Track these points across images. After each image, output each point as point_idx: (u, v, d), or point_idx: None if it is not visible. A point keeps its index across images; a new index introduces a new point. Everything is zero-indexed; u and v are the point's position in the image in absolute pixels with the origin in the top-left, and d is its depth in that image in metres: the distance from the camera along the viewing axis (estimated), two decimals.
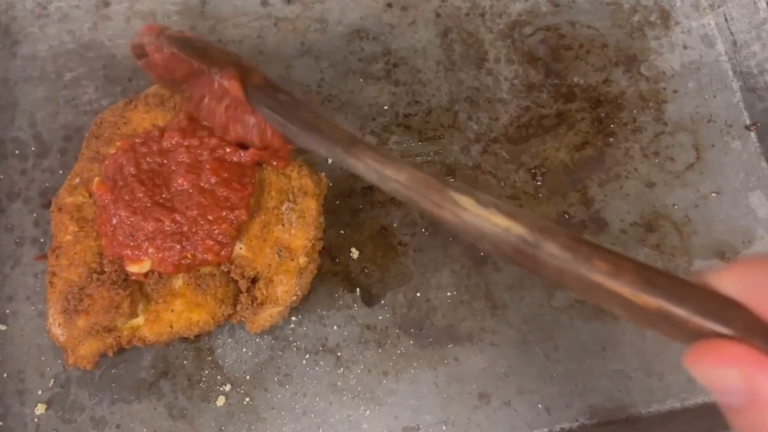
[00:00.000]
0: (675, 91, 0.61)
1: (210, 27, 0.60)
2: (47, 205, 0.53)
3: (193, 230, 0.47)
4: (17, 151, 0.55)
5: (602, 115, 0.60)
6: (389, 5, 0.62)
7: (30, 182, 0.54)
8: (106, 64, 0.58)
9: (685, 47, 0.62)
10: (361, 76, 0.60)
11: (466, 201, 0.35)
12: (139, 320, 0.47)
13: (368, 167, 0.40)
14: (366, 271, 0.54)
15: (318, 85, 0.59)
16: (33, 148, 0.55)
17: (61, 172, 0.54)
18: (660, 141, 0.60)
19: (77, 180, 0.51)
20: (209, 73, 0.48)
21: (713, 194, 0.58)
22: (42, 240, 0.53)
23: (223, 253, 0.47)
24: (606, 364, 0.53)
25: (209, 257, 0.47)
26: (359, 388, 0.51)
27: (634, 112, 0.60)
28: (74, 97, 0.57)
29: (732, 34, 0.62)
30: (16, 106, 0.56)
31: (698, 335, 0.27)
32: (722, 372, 0.25)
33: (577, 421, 0.51)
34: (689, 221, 0.57)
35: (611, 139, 0.60)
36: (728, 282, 0.27)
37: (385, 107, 0.59)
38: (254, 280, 0.49)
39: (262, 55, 0.59)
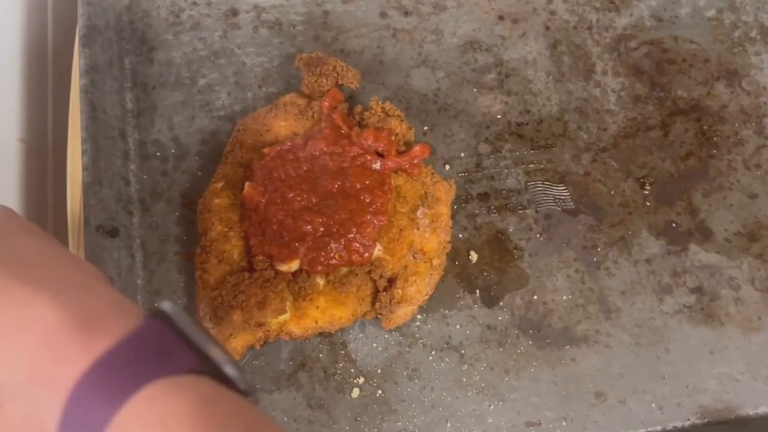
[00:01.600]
0: None
1: (333, 37, 0.63)
2: (188, 204, 0.56)
3: (341, 233, 0.50)
4: (158, 153, 0.58)
5: (705, 127, 0.63)
6: (501, 18, 0.65)
7: (171, 183, 0.57)
8: (237, 71, 0.61)
9: None
10: (474, 86, 0.63)
11: None
12: (287, 316, 0.51)
13: None
14: (484, 273, 0.57)
15: (434, 94, 0.62)
16: (173, 151, 0.58)
17: (199, 173, 0.57)
18: (762, 154, 0.62)
19: (222, 183, 0.54)
20: None
21: None
22: (184, 238, 0.56)
23: (366, 254, 0.51)
24: (714, 367, 0.55)
25: (354, 258, 0.50)
26: (483, 385, 0.54)
27: (736, 125, 0.63)
28: (208, 102, 0.60)
29: None
30: (155, 110, 0.59)
31: None
32: None
33: (689, 420, 0.54)
34: None
35: (714, 151, 0.62)
36: None
37: (498, 116, 0.62)
38: (391, 280, 0.52)
39: (381, 65, 0.62)
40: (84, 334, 0.28)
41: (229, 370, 0.31)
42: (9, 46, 0.61)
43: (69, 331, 0.28)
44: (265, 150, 0.52)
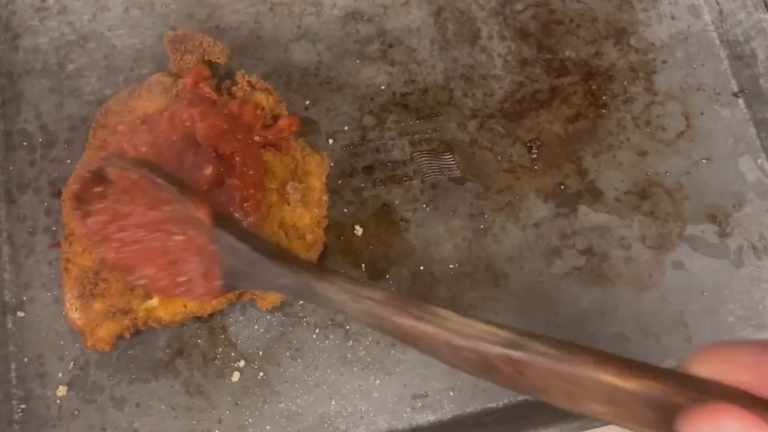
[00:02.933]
0: (664, 62, 0.63)
1: (207, 14, 0.61)
2: (57, 194, 0.54)
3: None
4: (25, 143, 0.56)
5: (594, 87, 0.62)
6: None
7: (39, 173, 0.55)
8: (107, 54, 0.59)
9: (672, 18, 0.64)
10: (357, 58, 0.61)
11: (447, 312, 0.35)
12: (154, 302, 0.49)
13: (341, 288, 0.38)
14: (370, 247, 0.56)
15: (315, 67, 0.60)
16: (40, 140, 0.56)
17: (68, 161, 0.55)
18: (651, 111, 0.61)
19: (83, 169, 0.52)
20: (179, 198, 0.43)
21: (704, 161, 0.60)
22: (54, 228, 0.54)
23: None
24: (605, 328, 0.55)
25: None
26: (368, 360, 0.53)
27: (625, 83, 0.62)
28: (77, 88, 0.58)
29: (718, 3, 0.64)
30: (21, 98, 0.57)
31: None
32: (722, 430, 0.26)
33: None
34: (681, 188, 0.59)
35: (603, 110, 0.61)
36: (698, 365, 0.29)
37: (382, 87, 0.60)
38: None
39: (259, 40, 0.61)
40: None
41: None
42: None
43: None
44: (120, 127, 0.50)
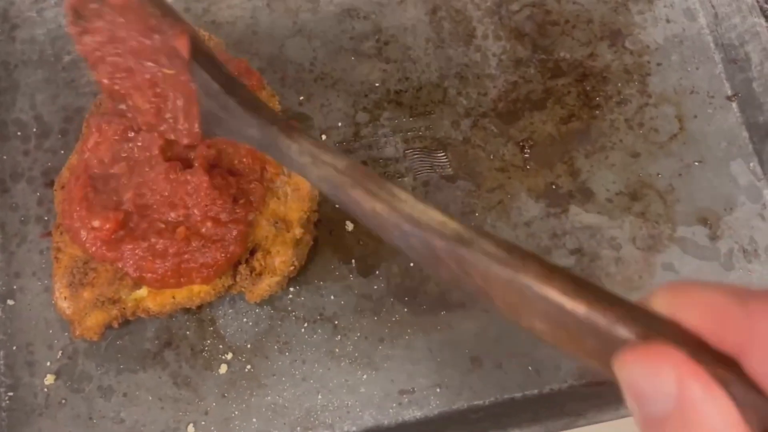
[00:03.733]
0: (659, 64, 0.63)
1: (204, 8, 0.61)
2: (50, 184, 0.55)
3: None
4: (19, 133, 0.56)
5: (588, 88, 0.62)
6: None
7: (33, 162, 0.56)
8: None
9: (668, 21, 0.64)
10: (352, 54, 0.61)
11: (404, 194, 0.33)
12: (143, 292, 0.49)
13: (303, 149, 0.37)
14: (361, 243, 0.56)
15: (311, 63, 0.61)
16: (35, 129, 0.56)
17: (62, 152, 0.56)
18: (644, 112, 0.61)
19: (75, 158, 0.52)
20: (161, 24, 0.41)
21: (696, 163, 0.60)
22: (46, 218, 0.54)
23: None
24: None
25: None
26: (356, 355, 0.53)
27: (619, 85, 0.62)
28: (73, 79, 0.58)
29: (713, 7, 0.64)
30: (17, 88, 0.57)
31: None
32: (655, 374, 0.23)
33: (566, 382, 0.53)
34: (673, 189, 0.59)
35: (597, 111, 0.61)
36: (658, 300, 0.26)
37: (377, 84, 0.61)
38: (252, 252, 0.51)
39: (255, 35, 0.61)
40: None
41: None
42: None
43: None
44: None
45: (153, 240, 0.47)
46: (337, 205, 0.38)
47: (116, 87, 0.44)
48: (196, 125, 0.42)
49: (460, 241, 0.30)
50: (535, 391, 0.53)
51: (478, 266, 0.29)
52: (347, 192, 0.34)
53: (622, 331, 0.25)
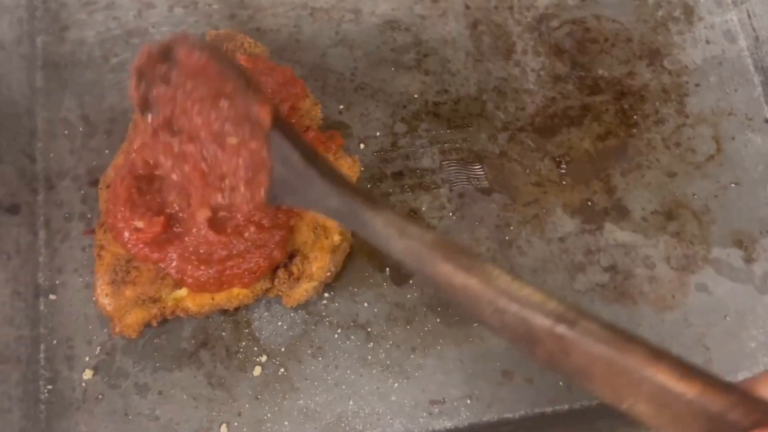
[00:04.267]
0: (697, 85, 0.63)
1: (249, 16, 0.62)
2: (94, 183, 0.56)
3: None
4: (66, 132, 0.58)
5: (626, 106, 0.62)
6: None
7: (78, 161, 0.57)
8: None
9: (707, 42, 0.64)
10: (392, 65, 0.62)
11: (497, 270, 0.32)
12: (182, 292, 0.50)
13: (388, 221, 0.36)
14: None
15: (351, 73, 0.62)
16: (81, 129, 0.58)
17: (107, 152, 0.57)
18: (681, 132, 0.61)
19: (122, 158, 0.53)
20: (243, 92, 0.41)
21: (732, 185, 0.60)
22: (89, 216, 0.55)
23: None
24: None
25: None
26: (388, 362, 0.53)
27: (657, 104, 0.62)
28: (119, 81, 0.59)
29: (754, 30, 0.64)
30: (65, 88, 0.59)
31: None
32: None
33: (597, 399, 0.53)
34: (708, 210, 0.59)
35: (634, 130, 0.61)
36: (765, 387, 0.26)
37: (416, 96, 0.61)
38: (291, 256, 0.52)
39: (298, 43, 0.62)
40: None
41: None
42: None
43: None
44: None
45: (197, 244, 0.48)
46: (419, 278, 0.37)
47: (175, 173, 0.44)
48: (262, 192, 0.41)
49: (562, 319, 0.29)
50: (566, 407, 0.53)
51: (580, 346, 0.29)
52: (436, 266, 0.33)
53: (737, 418, 0.25)
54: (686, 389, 0.26)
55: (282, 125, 0.41)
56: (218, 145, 0.41)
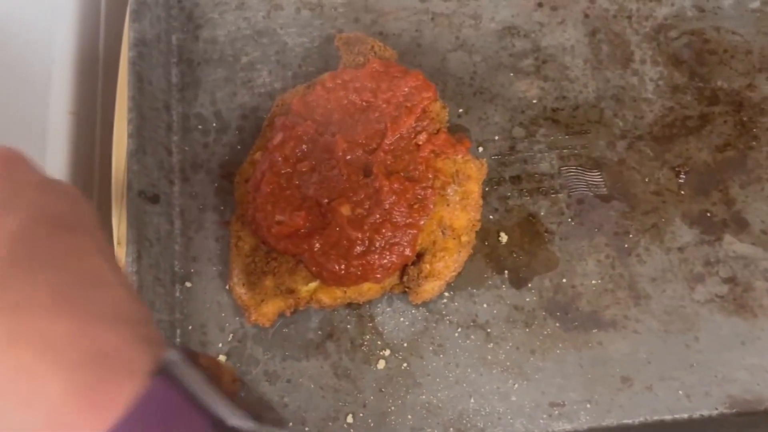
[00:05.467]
0: None
1: (372, 20, 0.64)
2: (226, 176, 0.58)
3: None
4: (200, 126, 0.60)
5: (745, 119, 0.62)
6: (540, 5, 0.65)
7: (211, 155, 0.59)
8: (279, 50, 0.63)
9: None
10: (511, 71, 0.63)
11: None
12: (317, 284, 0.52)
13: None
14: (514, 255, 0.58)
15: (470, 77, 0.63)
16: (214, 125, 0.60)
17: (239, 147, 0.59)
18: None
19: (259, 154, 0.56)
20: None
21: None
22: (222, 208, 0.58)
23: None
24: (745, 358, 0.55)
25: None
26: (508, 363, 0.54)
27: None
28: (250, 80, 0.62)
29: None
30: (199, 85, 0.61)
31: None
32: None
33: (717, 409, 0.53)
34: None
35: (754, 142, 0.61)
36: None
37: (534, 101, 0.62)
38: (419, 255, 0.53)
39: (419, 47, 0.63)
40: (89, 411, 0.27)
41: (241, 424, 0.29)
42: (62, 22, 0.63)
43: (75, 408, 0.26)
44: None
45: (335, 239, 0.50)
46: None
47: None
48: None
49: None
50: (686, 416, 0.53)
51: None
52: None
53: None
54: None
55: None
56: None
